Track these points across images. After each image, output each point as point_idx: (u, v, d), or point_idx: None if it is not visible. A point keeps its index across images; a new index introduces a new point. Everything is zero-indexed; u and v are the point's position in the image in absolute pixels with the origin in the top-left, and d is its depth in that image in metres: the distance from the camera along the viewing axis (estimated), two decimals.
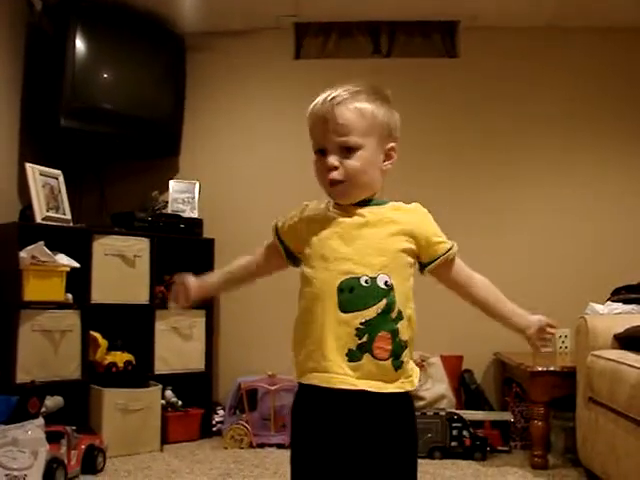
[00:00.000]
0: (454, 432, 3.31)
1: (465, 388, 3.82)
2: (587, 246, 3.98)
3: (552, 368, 3.14)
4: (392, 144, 1.52)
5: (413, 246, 1.47)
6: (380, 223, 1.47)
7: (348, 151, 1.46)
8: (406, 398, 1.47)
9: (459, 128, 4.08)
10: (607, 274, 3.57)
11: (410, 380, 1.46)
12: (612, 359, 2.59)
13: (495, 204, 4.08)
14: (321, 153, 1.48)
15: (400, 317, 1.42)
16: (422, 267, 1.52)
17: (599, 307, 3.20)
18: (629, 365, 2.42)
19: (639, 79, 4.10)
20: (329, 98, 1.47)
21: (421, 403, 3.42)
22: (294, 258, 1.58)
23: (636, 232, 3.99)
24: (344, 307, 1.40)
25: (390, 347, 1.40)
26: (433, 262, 1.50)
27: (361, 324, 1.39)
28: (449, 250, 1.52)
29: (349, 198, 1.49)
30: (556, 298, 3.82)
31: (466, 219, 3.99)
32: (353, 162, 1.46)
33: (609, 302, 3.26)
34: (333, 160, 1.46)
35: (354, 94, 1.48)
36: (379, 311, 1.40)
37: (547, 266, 3.98)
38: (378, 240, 1.45)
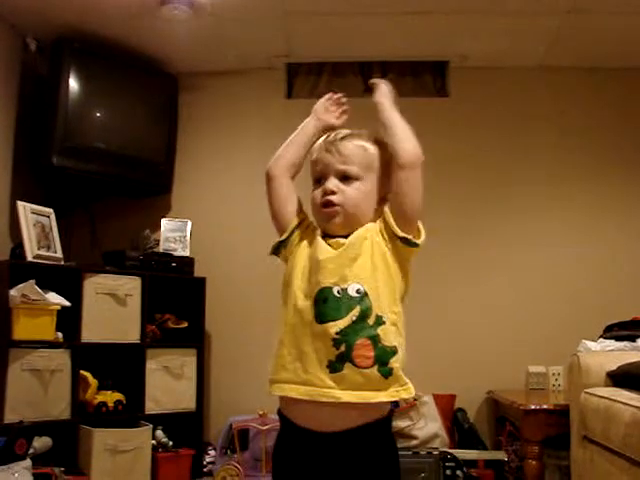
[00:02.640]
0: (447, 472, 3.28)
1: (458, 427, 3.79)
2: (579, 283, 3.99)
3: (545, 406, 3.12)
4: (387, 192, 1.55)
5: (385, 245, 1.48)
6: (357, 239, 1.48)
7: (347, 180, 1.50)
8: (380, 426, 1.44)
9: (449, 166, 4.11)
10: (599, 311, 3.57)
11: (406, 388, 1.44)
12: (605, 397, 2.58)
13: (486, 240, 4.10)
14: (319, 182, 1.52)
15: (380, 322, 1.41)
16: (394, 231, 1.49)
17: (591, 344, 3.19)
18: (623, 403, 2.41)
19: (628, 116, 4.15)
20: (335, 134, 1.54)
21: (414, 442, 3.39)
22: (280, 248, 1.57)
23: (629, 269, 4.00)
24: (319, 318, 1.41)
25: (372, 354, 1.39)
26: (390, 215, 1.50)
27: (337, 334, 1.39)
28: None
29: (338, 225, 1.51)
30: (548, 335, 3.83)
31: (457, 254, 4.00)
32: (351, 190, 1.50)
33: (601, 339, 3.25)
34: (332, 184, 1.50)
35: (359, 134, 1.55)
36: (353, 319, 1.40)
37: (539, 303, 3.98)
38: (352, 252, 1.46)
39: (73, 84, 3.65)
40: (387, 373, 1.40)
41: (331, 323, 1.40)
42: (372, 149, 1.55)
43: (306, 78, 4.27)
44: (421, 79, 4.23)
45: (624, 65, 4.10)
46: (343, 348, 1.39)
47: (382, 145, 1.56)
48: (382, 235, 1.49)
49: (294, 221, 1.55)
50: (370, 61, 4.18)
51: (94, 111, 3.76)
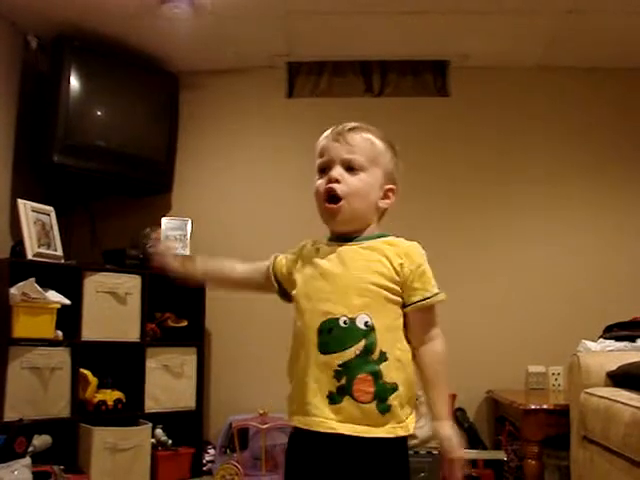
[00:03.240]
0: None
1: (458, 426, 3.79)
2: (579, 283, 3.99)
3: (545, 406, 3.12)
4: (392, 186, 1.54)
5: (398, 287, 1.45)
6: (368, 261, 1.45)
7: (352, 171, 1.49)
8: (397, 444, 1.42)
9: (449, 165, 4.11)
10: (599, 311, 3.57)
11: (403, 425, 1.41)
12: (605, 397, 2.58)
13: (486, 239, 4.10)
14: (323, 172, 1.51)
15: (383, 358, 1.39)
16: (403, 307, 1.47)
17: (591, 344, 3.19)
18: (623, 403, 2.41)
19: (627, 115, 4.15)
20: (343, 125, 1.53)
21: (413, 442, 3.38)
22: (286, 295, 1.57)
23: (628, 269, 4.00)
24: (323, 349, 1.39)
25: (372, 389, 1.37)
26: (408, 306, 1.46)
27: (339, 366, 1.37)
28: (426, 299, 1.47)
29: (341, 222, 1.49)
30: (548, 335, 3.83)
31: (456, 253, 4.00)
32: (355, 180, 1.48)
33: (601, 339, 3.25)
34: (336, 172, 1.48)
35: (367, 128, 1.55)
36: (357, 352, 1.38)
37: (539, 303, 3.98)
38: (360, 279, 1.43)
39: (74, 82, 3.65)
40: (385, 410, 1.38)
41: (334, 355, 1.38)
42: (379, 144, 1.54)
43: (307, 77, 4.26)
44: (421, 78, 4.22)
45: (623, 65, 4.10)
46: (344, 381, 1.37)
47: (391, 147, 1.56)
48: (397, 283, 1.45)
49: (276, 272, 1.59)
50: (371, 60, 4.17)
51: (95, 109, 3.76)
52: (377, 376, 1.38)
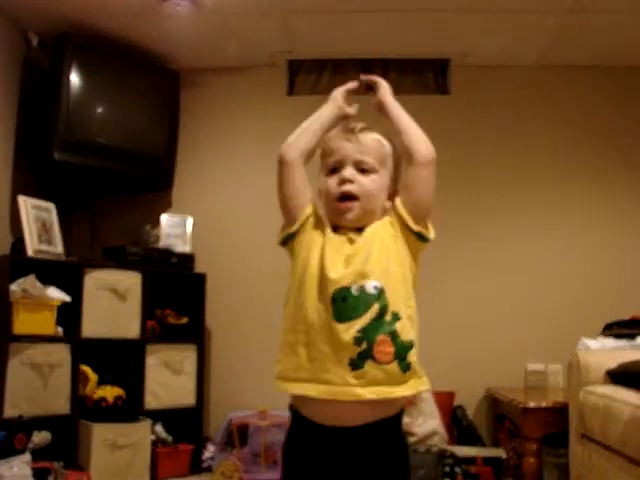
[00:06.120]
0: (446, 469, 3.28)
1: (457, 424, 3.80)
2: (579, 281, 3.99)
3: (544, 404, 3.13)
4: (395, 187, 1.56)
5: (395, 233, 1.49)
6: (370, 235, 1.48)
7: (363, 171, 1.50)
8: (392, 422, 1.45)
9: (450, 163, 4.11)
10: (599, 310, 3.58)
11: (423, 380, 1.46)
12: (605, 395, 2.58)
13: (486, 237, 4.10)
14: (334, 172, 1.51)
15: (397, 318, 1.42)
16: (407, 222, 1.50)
17: (591, 343, 3.20)
18: (622, 401, 2.41)
19: (630, 114, 4.15)
20: (354, 125, 1.54)
21: (412, 439, 3.39)
22: (288, 240, 1.56)
23: (627, 267, 4.00)
24: (339, 317, 1.40)
25: (392, 349, 1.39)
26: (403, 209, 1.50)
27: (358, 332, 1.39)
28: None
29: (351, 220, 1.50)
30: (548, 334, 3.83)
31: (456, 252, 4.00)
32: (367, 181, 1.50)
33: (601, 337, 3.25)
34: (349, 172, 1.49)
35: (374, 130, 1.56)
36: (373, 316, 1.40)
37: (539, 301, 3.98)
38: (368, 248, 1.45)
39: (75, 79, 3.65)
40: (406, 367, 1.41)
41: (352, 322, 1.39)
42: (387, 145, 1.55)
43: (307, 75, 4.26)
44: (422, 77, 4.23)
45: (624, 63, 4.10)
46: (365, 345, 1.38)
47: (394, 147, 1.57)
48: (394, 229, 1.49)
49: (307, 209, 1.53)
50: (371, 58, 4.18)
51: (96, 106, 3.76)
52: (394, 335, 1.40)
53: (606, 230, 4.07)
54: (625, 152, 4.12)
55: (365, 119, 1.59)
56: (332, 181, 1.51)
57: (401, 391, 1.41)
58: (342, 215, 1.50)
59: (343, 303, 1.41)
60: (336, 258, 1.45)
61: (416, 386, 1.43)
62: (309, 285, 1.45)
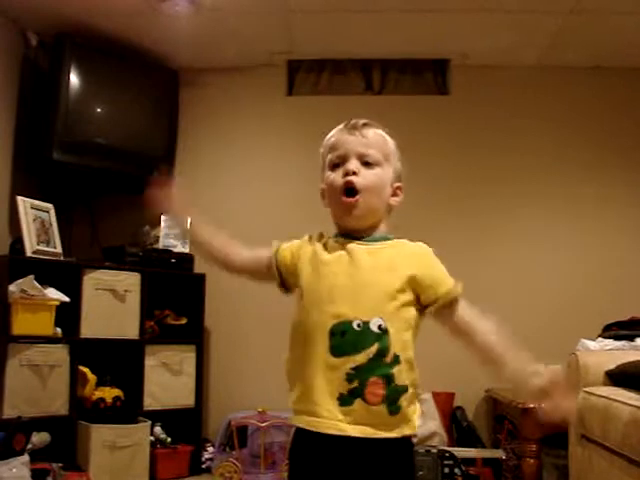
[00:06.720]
0: (446, 470, 3.28)
1: (457, 425, 3.80)
2: (578, 282, 3.99)
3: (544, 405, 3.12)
4: (400, 184, 1.54)
5: (412, 294, 1.43)
6: (379, 264, 1.43)
7: (367, 165, 1.47)
8: (404, 444, 1.42)
9: (450, 163, 4.11)
10: (598, 310, 3.57)
11: (410, 425, 1.41)
12: (604, 396, 2.58)
13: (485, 237, 4.10)
14: (338, 167, 1.49)
15: (396, 361, 1.37)
16: (423, 309, 1.46)
17: (590, 343, 3.19)
18: (621, 402, 2.41)
19: (631, 115, 4.15)
20: (355, 120, 1.52)
21: (413, 440, 3.39)
22: (285, 286, 1.54)
23: (627, 268, 4.00)
24: (335, 351, 1.37)
25: (383, 392, 1.36)
26: (432, 305, 1.45)
27: (351, 369, 1.35)
28: (449, 292, 1.47)
29: (356, 217, 1.47)
30: (547, 334, 3.81)
31: (455, 252, 3.97)
32: (371, 175, 1.47)
33: (600, 338, 3.25)
34: (353, 165, 1.46)
35: (378, 126, 1.54)
36: (370, 356, 1.36)
37: (538, 302, 3.97)
38: (375, 282, 1.41)
39: (74, 79, 3.65)
40: (395, 411, 1.37)
41: (347, 357, 1.36)
42: (390, 142, 1.53)
43: (307, 75, 4.26)
44: (422, 77, 4.22)
45: (625, 64, 4.10)
46: (356, 384, 1.35)
47: (396, 146, 1.56)
48: (410, 295, 1.44)
49: (272, 252, 1.55)
50: (371, 58, 4.17)
51: (94, 106, 3.75)
52: (390, 379, 1.37)
53: (606, 231, 4.06)
54: (628, 153, 4.11)
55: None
56: (336, 175, 1.48)
57: (384, 434, 1.37)
58: (348, 212, 1.46)
59: (342, 338, 1.37)
60: (337, 284, 1.41)
61: (402, 431, 1.39)
62: (306, 313, 1.43)
